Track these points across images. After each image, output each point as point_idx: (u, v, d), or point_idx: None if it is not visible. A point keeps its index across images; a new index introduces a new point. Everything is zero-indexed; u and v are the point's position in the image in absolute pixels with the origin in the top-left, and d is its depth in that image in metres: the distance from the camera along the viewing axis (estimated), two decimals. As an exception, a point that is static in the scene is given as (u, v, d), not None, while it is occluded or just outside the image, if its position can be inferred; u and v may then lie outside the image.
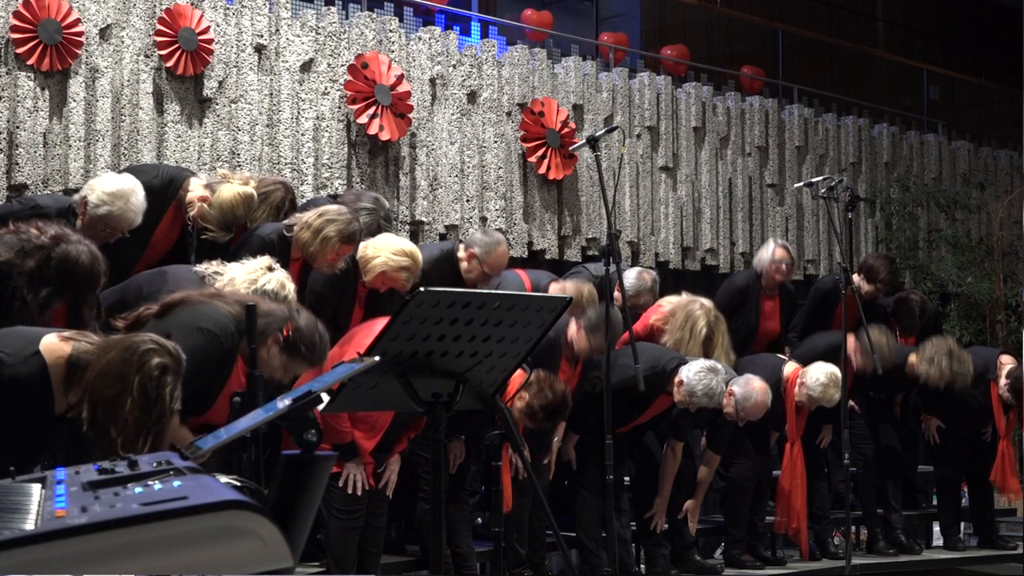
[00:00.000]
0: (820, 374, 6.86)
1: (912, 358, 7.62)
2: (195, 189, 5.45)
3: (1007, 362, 7.79)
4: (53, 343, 3.41)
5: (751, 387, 6.48)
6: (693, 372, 6.23)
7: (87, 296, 4.33)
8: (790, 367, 7.02)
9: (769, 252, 7.64)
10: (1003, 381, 7.70)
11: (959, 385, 7.58)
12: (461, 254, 6.25)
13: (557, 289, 6.34)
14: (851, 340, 7.10)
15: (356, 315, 5.84)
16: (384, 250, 5.53)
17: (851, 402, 7.51)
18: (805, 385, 6.88)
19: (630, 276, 6.78)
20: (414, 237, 7.60)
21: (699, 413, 6.49)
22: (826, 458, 7.70)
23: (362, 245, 5.56)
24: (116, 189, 5.01)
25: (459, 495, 5.97)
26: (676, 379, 6.27)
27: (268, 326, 4.25)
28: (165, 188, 5.45)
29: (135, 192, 5.06)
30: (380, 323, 5.11)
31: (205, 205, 5.41)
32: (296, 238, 5.40)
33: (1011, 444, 7.89)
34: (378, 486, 5.48)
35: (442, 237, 7.80)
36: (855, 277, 7.12)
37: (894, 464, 7.88)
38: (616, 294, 5.76)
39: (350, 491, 5.21)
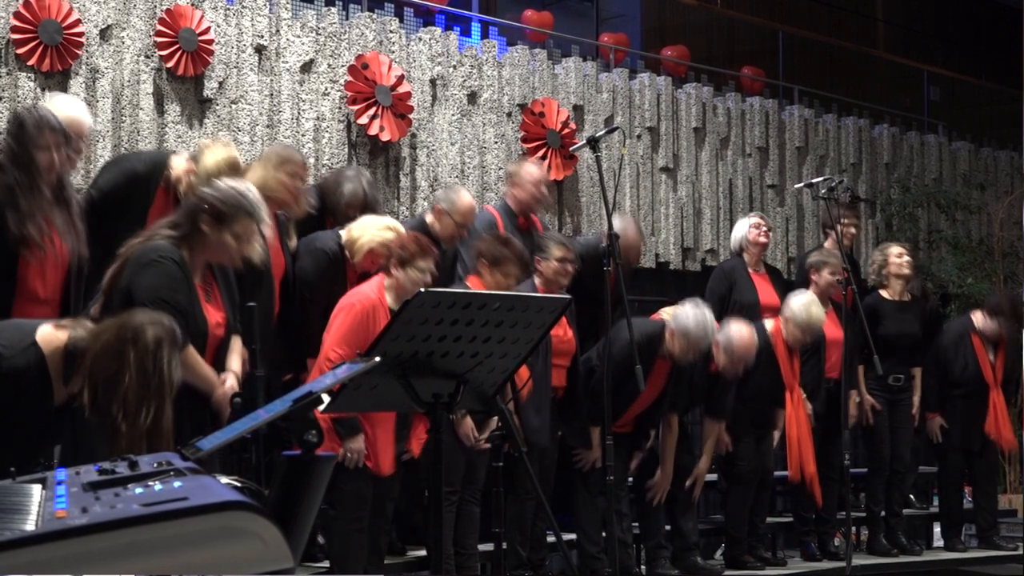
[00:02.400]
0: (798, 300, 7.00)
1: (885, 293, 7.79)
2: (179, 164, 5.44)
3: (980, 312, 8.10)
4: (49, 333, 3.43)
5: (731, 330, 6.61)
6: (681, 314, 6.29)
7: (53, 135, 4.55)
8: (770, 322, 7.06)
9: (743, 224, 7.66)
10: (982, 320, 7.98)
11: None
12: (429, 218, 6.29)
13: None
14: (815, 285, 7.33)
15: None
16: (369, 228, 5.61)
17: (871, 399, 7.59)
18: (790, 320, 6.97)
19: (615, 223, 6.25)
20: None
21: (694, 386, 6.52)
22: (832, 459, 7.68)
23: (346, 229, 5.64)
24: (58, 101, 5.22)
25: (471, 495, 5.95)
26: (667, 332, 6.28)
27: (197, 218, 4.33)
28: (151, 172, 5.43)
29: (74, 98, 5.57)
30: (359, 297, 5.18)
31: (192, 177, 5.40)
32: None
33: (1002, 393, 8.00)
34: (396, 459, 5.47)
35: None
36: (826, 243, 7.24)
37: (903, 468, 7.89)
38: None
39: (347, 464, 5.19)
